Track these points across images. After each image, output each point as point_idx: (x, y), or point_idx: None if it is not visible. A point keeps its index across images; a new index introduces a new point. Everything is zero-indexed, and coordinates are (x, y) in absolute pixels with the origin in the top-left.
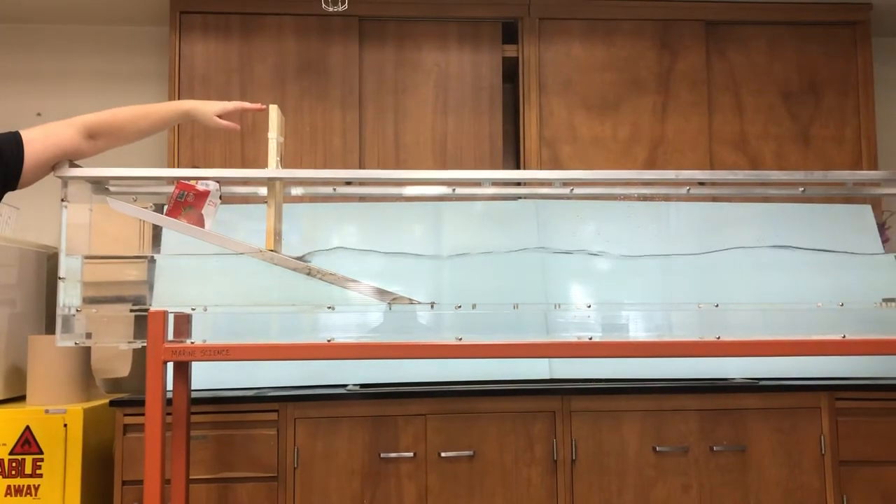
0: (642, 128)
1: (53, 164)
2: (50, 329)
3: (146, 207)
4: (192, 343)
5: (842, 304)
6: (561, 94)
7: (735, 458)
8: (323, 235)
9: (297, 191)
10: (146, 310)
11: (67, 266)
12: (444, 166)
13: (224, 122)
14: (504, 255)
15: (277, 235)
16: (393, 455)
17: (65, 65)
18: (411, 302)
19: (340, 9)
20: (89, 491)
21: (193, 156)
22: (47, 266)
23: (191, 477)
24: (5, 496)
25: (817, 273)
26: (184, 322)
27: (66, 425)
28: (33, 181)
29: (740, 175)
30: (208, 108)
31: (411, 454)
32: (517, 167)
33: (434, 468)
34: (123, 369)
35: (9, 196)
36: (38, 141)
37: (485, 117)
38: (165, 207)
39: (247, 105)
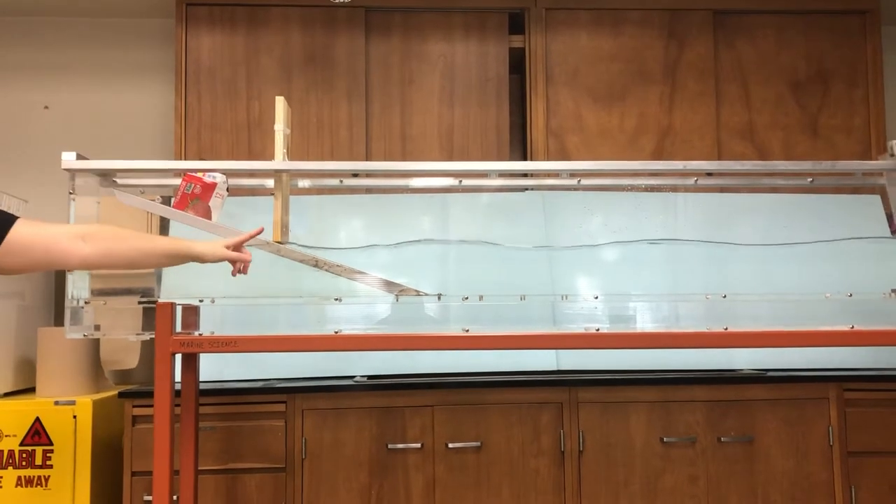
0: (649, 118)
1: (35, 261)
2: (59, 321)
3: (153, 200)
4: (200, 335)
5: (850, 295)
6: (568, 84)
7: (743, 449)
8: (330, 228)
9: (303, 183)
10: (154, 302)
11: None
12: (450, 157)
13: (236, 254)
14: (510, 247)
15: (284, 227)
16: (400, 446)
17: (71, 57)
18: (418, 293)
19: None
20: (99, 482)
21: (200, 148)
22: None
23: (199, 468)
24: (16, 487)
25: (825, 264)
26: (192, 314)
27: (75, 417)
28: (11, 266)
29: (748, 165)
30: (218, 251)
31: (419, 445)
32: (524, 158)
33: (441, 459)
34: (132, 361)
35: (17, 188)
36: (28, 226)
37: (491, 108)
38: (172, 200)
39: (247, 235)
